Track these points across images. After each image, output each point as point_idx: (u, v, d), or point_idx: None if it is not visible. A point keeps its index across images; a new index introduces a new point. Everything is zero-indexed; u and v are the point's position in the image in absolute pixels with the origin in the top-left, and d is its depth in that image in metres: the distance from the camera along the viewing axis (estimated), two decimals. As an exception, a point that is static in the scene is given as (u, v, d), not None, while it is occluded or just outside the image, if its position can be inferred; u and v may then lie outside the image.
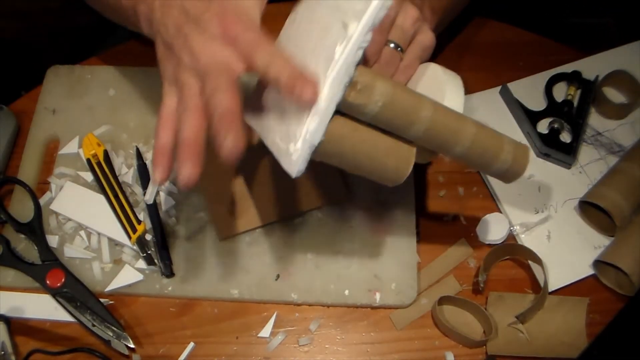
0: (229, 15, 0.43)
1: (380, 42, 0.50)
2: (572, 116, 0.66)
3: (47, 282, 0.59)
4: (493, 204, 0.65)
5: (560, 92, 0.69)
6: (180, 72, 0.44)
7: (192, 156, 0.42)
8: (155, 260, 0.60)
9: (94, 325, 0.57)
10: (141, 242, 0.60)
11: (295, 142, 0.42)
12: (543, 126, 0.66)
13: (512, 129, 0.68)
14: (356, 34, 0.40)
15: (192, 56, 0.43)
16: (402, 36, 0.50)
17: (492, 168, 0.48)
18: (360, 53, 0.41)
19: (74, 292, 0.58)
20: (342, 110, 0.43)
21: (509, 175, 0.49)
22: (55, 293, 0.58)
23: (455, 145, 0.46)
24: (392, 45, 0.50)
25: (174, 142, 0.44)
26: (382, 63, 0.50)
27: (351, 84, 0.42)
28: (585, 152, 0.66)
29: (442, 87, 0.49)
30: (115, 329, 0.57)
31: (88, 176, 0.65)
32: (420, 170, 0.66)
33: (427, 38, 0.52)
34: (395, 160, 0.46)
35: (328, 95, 0.41)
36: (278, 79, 0.41)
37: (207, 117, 0.42)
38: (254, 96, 0.48)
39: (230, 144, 0.40)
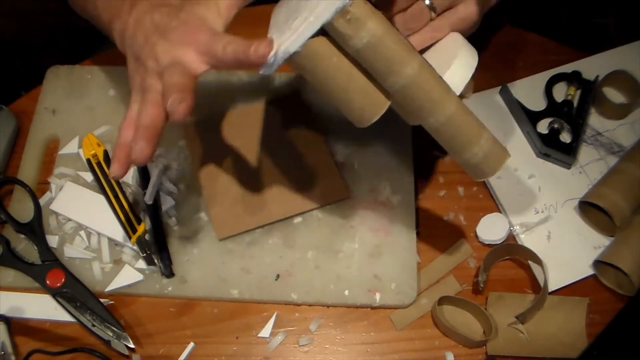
0: (193, 25, 0.47)
1: None
2: (572, 116, 0.66)
3: (47, 282, 0.59)
4: (493, 204, 0.65)
5: (560, 92, 0.69)
6: (145, 78, 0.48)
7: (147, 136, 0.46)
8: (155, 260, 0.60)
9: (94, 326, 0.57)
10: (141, 242, 0.60)
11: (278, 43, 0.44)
12: (543, 126, 0.66)
13: (512, 129, 0.68)
14: None
15: (155, 61, 0.47)
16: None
17: (462, 156, 0.47)
18: None
19: (74, 292, 0.58)
20: (330, 34, 0.43)
21: (477, 171, 0.48)
22: (55, 293, 0.58)
23: (429, 115, 0.45)
24: (427, 1, 0.50)
25: (129, 137, 0.48)
26: (407, 14, 0.51)
27: (343, 11, 0.42)
28: (585, 152, 0.66)
29: (453, 55, 0.49)
30: (115, 329, 0.57)
31: (88, 176, 0.65)
32: (420, 171, 0.66)
33: (467, 10, 0.51)
34: (363, 101, 0.45)
35: (317, 12, 0.42)
36: (236, 52, 0.45)
37: (163, 109, 0.46)
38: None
39: (181, 108, 0.45)
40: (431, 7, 0.50)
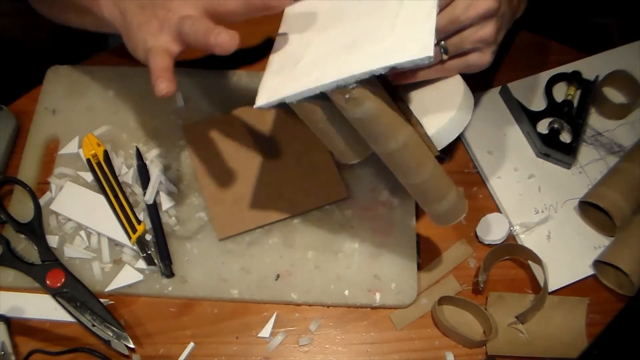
0: None
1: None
2: (572, 116, 0.66)
3: (47, 282, 0.59)
4: (493, 204, 0.65)
5: (560, 92, 0.69)
6: (171, 16, 0.47)
7: (222, 29, 0.45)
8: (155, 260, 0.60)
9: (94, 326, 0.57)
10: (141, 242, 0.60)
11: (279, 85, 0.48)
12: (543, 126, 0.66)
13: (512, 129, 0.68)
14: (367, 68, 0.43)
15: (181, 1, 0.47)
16: (457, 45, 0.50)
17: (428, 208, 0.51)
18: (367, 76, 0.43)
19: (74, 292, 0.58)
20: (329, 97, 0.46)
21: (442, 219, 0.51)
22: (55, 293, 0.58)
23: (403, 179, 0.49)
24: (442, 43, 0.50)
25: (172, 65, 0.47)
26: None
27: (343, 90, 0.44)
28: (585, 152, 0.66)
29: (453, 104, 0.50)
30: (115, 329, 0.57)
31: (88, 176, 0.65)
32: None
33: (482, 59, 0.51)
34: (344, 149, 0.50)
35: (319, 75, 0.45)
36: (197, 32, 0.45)
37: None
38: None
39: (223, 38, 0.44)
40: (444, 49, 0.50)
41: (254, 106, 0.48)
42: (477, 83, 0.70)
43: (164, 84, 0.46)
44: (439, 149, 0.51)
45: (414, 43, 0.43)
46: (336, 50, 0.47)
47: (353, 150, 0.50)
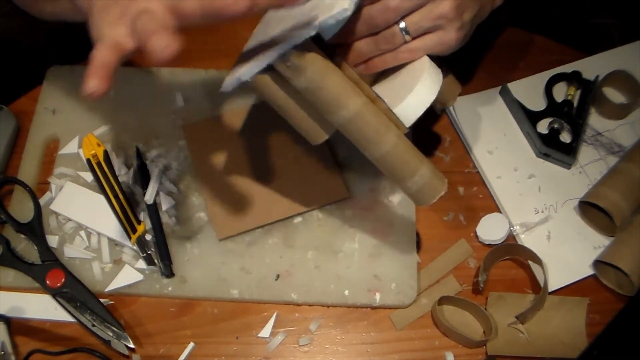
0: None
1: (386, 20, 0.49)
2: (572, 116, 0.66)
3: (47, 282, 0.59)
4: (493, 204, 0.65)
5: (560, 92, 0.69)
6: (132, 6, 0.42)
7: (169, 35, 0.40)
8: (155, 260, 0.60)
9: (94, 325, 0.57)
10: (141, 242, 0.60)
11: (238, 68, 0.49)
12: (543, 126, 0.66)
13: (512, 129, 0.68)
14: (298, 34, 0.45)
15: None
16: (417, 23, 0.49)
17: (400, 185, 0.51)
18: (297, 41, 0.45)
19: (74, 292, 0.58)
20: (278, 69, 0.47)
21: (414, 199, 0.51)
22: (55, 293, 0.58)
23: (365, 150, 0.49)
24: (401, 25, 0.49)
25: (116, 66, 0.42)
26: (379, 36, 0.50)
27: (284, 58, 0.46)
28: (585, 152, 0.66)
29: (416, 80, 0.50)
30: (115, 329, 0.57)
31: (88, 176, 0.65)
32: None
33: (447, 37, 0.50)
34: (307, 127, 0.51)
35: (267, 51, 0.46)
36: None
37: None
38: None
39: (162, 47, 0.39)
40: (405, 31, 0.49)
41: (220, 90, 0.50)
42: (478, 83, 0.71)
43: (94, 82, 0.41)
44: (407, 126, 0.51)
45: (338, 3, 0.45)
46: (281, 27, 0.48)
47: (315, 127, 0.50)
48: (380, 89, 0.52)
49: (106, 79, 0.41)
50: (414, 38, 0.50)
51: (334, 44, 0.51)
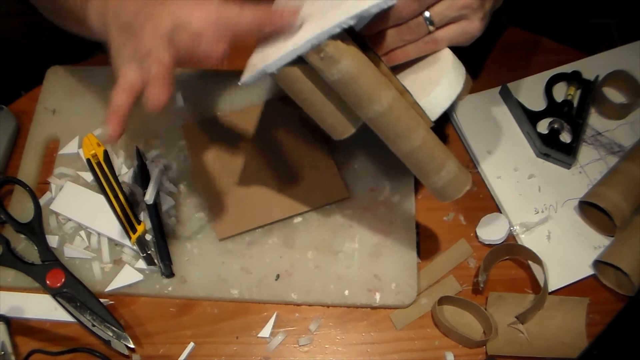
0: None
1: (412, 11, 0.48)
2: (572, 116, 0.66)
3: (47, 282, 0.59)
4: (493, 204, 0.65)
5: (560, 92, 0.69)
6: (141, 43, 0.45)
7: (164, 83, 0.45)
8: (155, 260, 0.60)
9: (94, 326, 0.57)
10: (141, 242, 0.60)
11: (259, 59, 0.47)
12: (543, 126, 0.66)
13: (512, 129, 0.68)
14: (338, 20, 0.43)
15: (155, 25, 0.44)
16: (442, 14, 0.49)
17: (426, 182, 0.50)
18: (337, 30, 0.43)
19: (74, 292, 0.58)
20: (307, 62, 0.45)
21: (439, 195, 0.50)
22: (55, 293, 0.58)
23: (394, 145, 0.48)
24: (426, 14, 0.49)
25: (128, 109, 0.47)
26: (403, 27, 0.49)
27: (317, 48, 0.44)
28: (585, 152, 0.66)
29: (441, 72, 0.49)
30: (115, 329, 0.57)
31: (88, 176, 0.65)
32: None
33: (471, 26, 0.50)
34: (333, 122, 0.49)
35: (295, 40, 0.45)
36: (255, 17, 0.45)
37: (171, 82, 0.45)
38: None
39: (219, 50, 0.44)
40: (429, 21, 0.49)
41: (239, 83, 0.48)
42: (477, 83, 0.71)
43: (111, 126, 0.47)
44: (432, 120, 0.50)
45: None
46: (311, 15, 0.47)
47: (341, 122, 0.49)
48: (405, 82, 0.51)
49: (121, 122, 0.47)
50: (437, 28, 0.50)
51: (362, 35, 0.50)
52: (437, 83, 0.49)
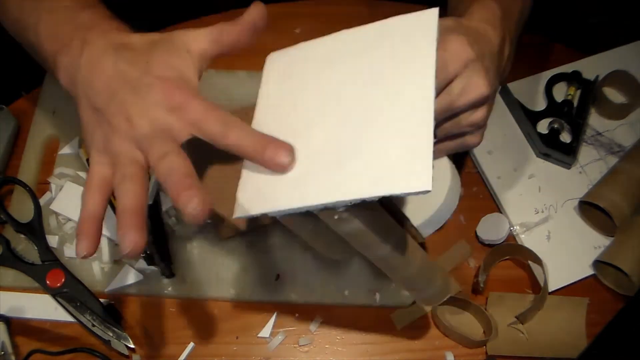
0: (171, 82, 0.40)
1: None
2: (572, 116, 0.66)
3: (47, 282, 0.59)
4: (493, 204, 0.65)
5: (560, 92, 0.69)
6: (114, 141, 0.40)
7: (137, 223, 0.38)
8: (155, 260, 0.60)
9: (94, 326, 0.57)
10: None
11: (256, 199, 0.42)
12: (543, 126, 0.66)
13: (512, 129, 0.68)
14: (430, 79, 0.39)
15: (130, 123, 0.39)
16: (445, 130, 0.48)
17: (422, 293, 0.49)
18: (352, 203, 0.38)
19: (74, 292, 0.58)
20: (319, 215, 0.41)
21: (427, 302, 0.51)
22: (55, 293, 0.58)
23: (393, 275, 0.47)
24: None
25: (103, 211, 0.41)
26: None
27: (331, 211, 0.39)
28: (585, 152, 0.66)
29: (441, 195, 0.49)
30: (115, 329, 0.57)
31: (88, 176, 0.65)
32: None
33: (471, 140, 0.49)
34: (333, 252, 0.49)
35: (301, 200, 0.39)
36: (240, 146, 0.39)
37: (146, 185, 0.40)
38: None
39: (194, 209, 0.37)
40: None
41: (233, 217, 0.42)
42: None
43: (83, 244, 0.39)
44: (424, 237, 0.49)
45: (411, 173, 0.37)
46: (322, 163, 0.40)
47: (338, 252, 0.48)
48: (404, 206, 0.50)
49: (97, 232, 0.40)
50: (438, 141, 0.49)
51: None
52: (436, 205, 0.48)
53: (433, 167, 0.37)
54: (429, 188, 0.35)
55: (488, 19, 0.49)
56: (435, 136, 0.40)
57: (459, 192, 0.50)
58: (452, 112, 0.46)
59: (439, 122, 0.47)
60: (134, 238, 0.38)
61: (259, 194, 0.42)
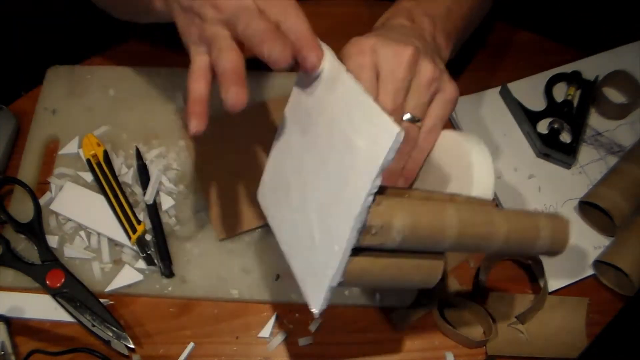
0: None
1: (398, 121, 0.45)
2: (572, 116, 0.66)
3: (47, 282, 0.59)
4: (493, 204, 0.65)
5: (560, 92, 0.69)
6: (206, 28, 0.44)
7: (237, 80, 0.42)
8: (155, 260, 0.60)
9: (94, 326, 0.57)
10: (141, 242, 0.60)
11: (318, 281, 0.41)
12: (543, 126, 0.66)
13: (512, 129, 0.68)
14: (367, 187, 0.38)
15: (216, 9, 0.43)
16: (418, 104, 0.47)
17: (533, 251, 0.46)
18: (370, 199, 0.38)
19: (74, 292, 0.58)
20: (360, 247, 0.40)
21: (552, 252, 0.47)
22: (55, 293, 0.58)
23: (489, 247, 0.43)
24: (407, 116, 0.47)
25: (208, 94, 0.45)
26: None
27: (365, 229, 0.38)
28: (585, 152, 0.66)
29: (467, 158, 0.46)
30: (115, 329, 0.57)
31: (88, 176, 0.65)
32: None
33: (447, 94, 0.48)
34: (421, 276, 0.44)
35: (334, 236, 0.40)
36: (288, 31, 0.43)
37: (241, 54, 0.43)
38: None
39: (280, 52, 0.41)
40: (414, 120, 0.47)
41: (315, 311, 0.42)
42: (478, 83, 0.71)
43: (193, 122, 0.44)
44: (491, 198, 0.46)
45: (379, 137, 0.38)
46: (323, 208, 0.42)
47: (426, 272, 0.44)
48: (440, 184, 0.48)
49: (205, 113, 0.44)
50: (424, 119, 0.48)
51: None
52: (472, 164, 0.46)
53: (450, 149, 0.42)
54: (397, 129, 0.36)
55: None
56: (417, 119, 0.45)
57: (489, 155, 0.47)
58: (400, 87, 0.46)
59: (401, 106, 0.46)
60: (237, 92, 0.41)
61: (314, 279, 0.42)
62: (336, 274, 0.40)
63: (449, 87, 0.48)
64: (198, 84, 0.44)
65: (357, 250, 0.39)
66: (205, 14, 0.44)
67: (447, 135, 0.49)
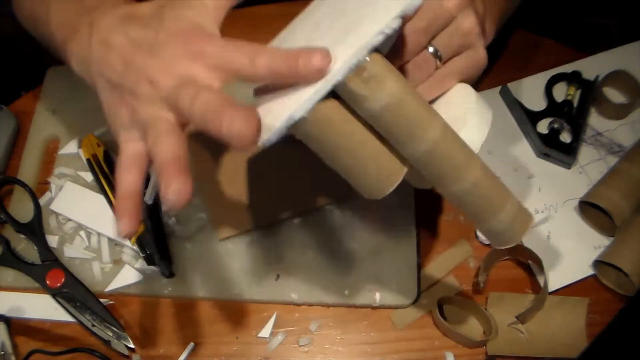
0: (186, 31, 0.38)
1: (419, 43, 0.44)
2: (572, 116, 0.66)
3: (47, 282, 0.59)
4: (493, 204, 0.65)
5: (560, 92, 0.69)
6: (140, 109, 0.38)
7: (180, 170, 0.36)
8: (155, 260, 0.60)
9: (94, 326, 0.57)
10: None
11: (272, 103, 0.38)
12: (543, 126, 0.66)
13: (512, 129, 0.68)
14: (384, 22, 0.35)
15: (153, 85, 0.37)
16: (447, 44, 0.45)
17: (486, 224, 0.42)
18: (380, 38, 0.35)
19: (74, 292, 0.58)
20: (340, 96, 0.37)
21: (500, 239, 0.43)
22: (55, 293, 0.58)
23: (452, 183, 0.40)
24: (430, 49, 0.44)
25: (141, 187, 0.39)
26: (410, 64, 0.45)
27: (358, 69, 0.36)
28: (585, 152, 0.66)
29: (466, 115, 0.44)
30: (115, 329, 0.57)
31: (88, 176, 0.65)
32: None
33: (477, 55, 0.46)
34: (378, 170, 0.40)
35: (333, 70, 0.36)
36: (272, 68, 0.36)
37: (184, 137, 0.38)
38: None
39: (239, 130, 0.34)
40: (436, 55, 0.44)
41: (259, 144, 0.37)
42: (478, 83, 0.71)
43: (123, 222, 0.37)
44: (476, 152, 0.42)
45: None
46: (332, 41, 0.38)
47: (388, 166, 0.40)
48: None
49: (137, 212, 0.38)
50: (445, 62, 0.46)
51: None
52: (468, 111, 0.44)
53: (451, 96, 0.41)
54: None
55: None
56: (440, 57, 0.42)
57: (490, 112, 0.46)
58: (441, 15, 0.44)
59: (433, 37, 0.44)
60: (180, 187, 0.35)
61: (279, 105, 0.37)
62: (306, 102, 0.36)
63: (481, 51, 0.46)
64: (129, 176, 0.38)
65: (336, 97, 0.37)
66: (140, 91, 0.38)
67: (465, 89, 0.47)
